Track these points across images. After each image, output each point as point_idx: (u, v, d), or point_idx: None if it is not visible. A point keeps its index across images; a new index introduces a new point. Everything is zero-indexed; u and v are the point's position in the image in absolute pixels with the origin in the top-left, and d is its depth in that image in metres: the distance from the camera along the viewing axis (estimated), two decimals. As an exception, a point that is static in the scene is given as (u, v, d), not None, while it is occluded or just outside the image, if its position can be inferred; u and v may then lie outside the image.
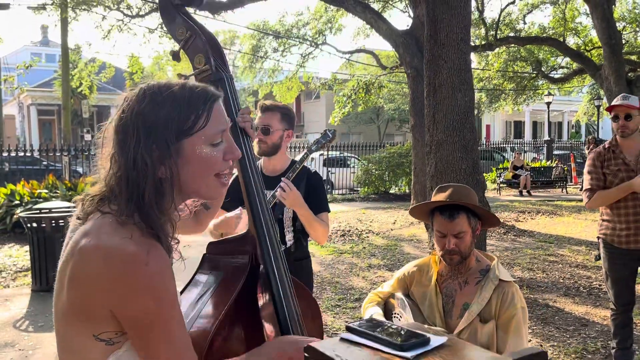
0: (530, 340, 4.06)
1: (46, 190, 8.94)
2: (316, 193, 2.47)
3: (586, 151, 16.96)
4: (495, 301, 1.91)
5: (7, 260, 6.83)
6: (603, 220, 3.26)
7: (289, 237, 2.48)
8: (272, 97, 20.20)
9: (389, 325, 0.89)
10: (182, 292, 1.31)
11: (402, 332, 0.85)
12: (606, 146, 3.26)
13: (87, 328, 0.95)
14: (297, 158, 2.52)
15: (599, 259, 3.67)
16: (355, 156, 16.58)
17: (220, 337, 1.15)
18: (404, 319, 2.07)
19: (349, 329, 0.89)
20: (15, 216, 7.80)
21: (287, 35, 18.46)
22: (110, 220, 0.96)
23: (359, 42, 30.95)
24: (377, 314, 2.15)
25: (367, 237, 8.45)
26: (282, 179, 2.31)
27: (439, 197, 2.01)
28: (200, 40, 1.33)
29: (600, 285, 5.54)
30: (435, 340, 0.83)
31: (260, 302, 1.29)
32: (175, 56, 1.40)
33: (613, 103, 3.21)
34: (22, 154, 13.36)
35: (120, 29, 14.46)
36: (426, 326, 1.93)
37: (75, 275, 0.94)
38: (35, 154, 14.03)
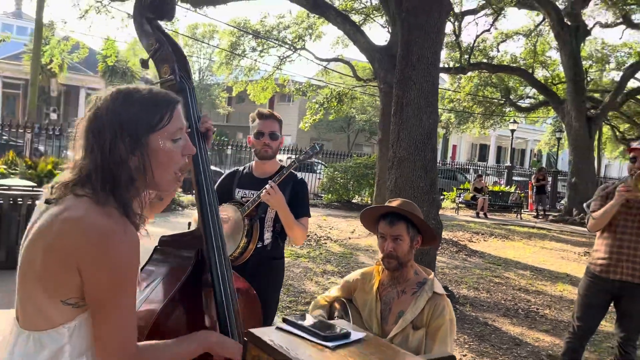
0: (465, 355, 4.30)
1: (5, 167, 8.80)
2: (299, 198, 2.66)
3: (533, 182, 17.58)
4: (427, 311, 2.10)
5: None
6: (594, 250, 3.47)
7: (267, 236, 2.65)
8: (246, 95, 20.24)
9: (319, 321, 1.05)
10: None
11: (328, 327, 1.01)
12: (616, 183, 3.42)
13: (58, 293, 1.09)
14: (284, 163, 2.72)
15: None
16: (323, 162, 16.77)
17: (163, 321, 1.29)
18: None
19: (285, 321, 1.05)
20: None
21: (266, 36, 18.52)
22: (87, 201, 1.11)
23: (337, 51, 31.30)
24: (320, 316, 2.32)
25: (325, 243, 8.63)
26: (269, 181, 2.49)
27: (385, 206, 2.24)
28: (167, 52, 1.47)
29: (537, 309, 5.86)
30: (355, 335, 1.00)
31: (203, 294, 1.43)
32: (144, 64, 1.54)
33: (634, 145, 3.36)
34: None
35: (98, 10, 14.28)
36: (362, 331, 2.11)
37: (52, 245, 1.08)
38: (-3, 127, 13.70)
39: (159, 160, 1.19)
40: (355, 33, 12.02)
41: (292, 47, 18.24)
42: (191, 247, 1.44)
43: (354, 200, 14.60)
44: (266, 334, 0.99)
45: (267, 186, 2.47)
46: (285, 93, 27.13)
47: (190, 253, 1.43)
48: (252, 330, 1.01)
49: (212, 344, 1.24)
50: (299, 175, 2.80)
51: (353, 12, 16.36)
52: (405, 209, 2.17)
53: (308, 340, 0.97)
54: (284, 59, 18.46)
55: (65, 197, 1.13)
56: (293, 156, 16.51)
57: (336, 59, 19.67)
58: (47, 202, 1.15)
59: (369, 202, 13.77)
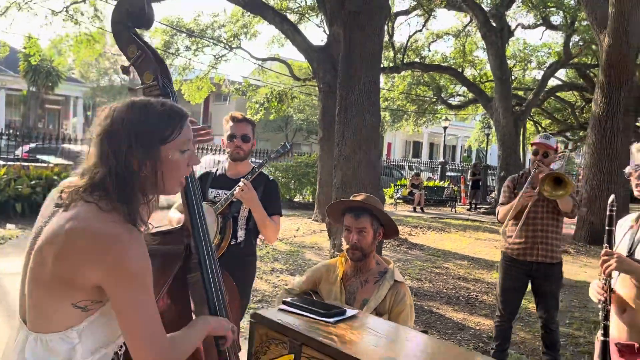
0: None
1: None
2: (271, 197, 2.75)
3: (468, 176, 18.50)
4: (390, 298, 2.26)
5: None
6: (507, 236, 3.75)
7: (241, 234, 2.73)
8: (181, 95, 19.89)
9: (315, 301, 1.16)
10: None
11: (326, 306, 1.12)
12: (521, 174, 3.81)
13: (68, 297, 1.14)
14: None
15: None
16: (264, 162, 16.75)
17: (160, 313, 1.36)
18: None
19: (285, 303, 1.15)
20: None
21: (201, 35, 18.26)
22: (95, 208, 1.16)
23: (273, 50, 31.35)
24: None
25: (271, 242, 8.70)
26: (242, 179, 2.56)
27: (350, 200, 2.38)
28: (149, 59, 1.53)
29: (476, 295, 6.22)
30: (350, 312, 1.12)
31: (191, 286, 1.51)
32: (125, 71, 1.59)
33: (536, 140, 3.70)
34: None
35: (19, 6, 13.61)
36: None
37: (62, 253, 1.12)
38: None
39: (167, 170, 1.25)
40: (293, 33, 12.14)
41: (227, 46, 18.11)
42: (179, 242, 1.51)
43: (295, 199, 14.72)
44: (272, 314, 1.09)
45: (240, 183, 2.55)
46: (222, 93, 26.86)
47: (178, 248, 1.51)
48: (259, 311, 1.11)
49: (212, 327, 1.33)
50: (271, 176, 2.91)
51: (288, 11, 16.47)
52: (370, 203, 2.32)
53: (310, 317, 1.08)
54: (220, 58, 18.31)
55: (75, 202, 1.17)
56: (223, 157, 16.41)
57: (273, 58, 19.71)
58: (57, 205, 1.19)
59: (311, 200, 13.94)
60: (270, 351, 1.08)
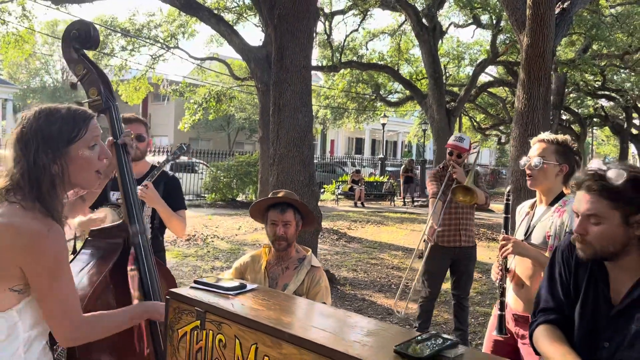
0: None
1: None
2: (174, 193, 2.90)
3: (401, 172, 19.21)
4: (307, 281, 2.52)
5: None
6: (429, 226, 4.13)
7: (147, 233, 2.85)
8: (118, 95, 19.46)
9: (221, 279, 1.40)
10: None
11: (229, 283, 1.36)
12: (441, 166, 4.21)
13: (4, 283, 1.34)
14: (156, 162, 2.95)
15: (422, 257, 4.54)
16: (204, 162, 16.77)
17: (96, 298, 1.57)
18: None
19: (195, 282, 1.38)
20: None
21: (137, 35, 17.95)
22: (18, 207, 1.35)
23: (212, 49, 31.03)
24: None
25: (212, 241, 8.83)
26: (145, 181, 2.71)
27: (275, 197, 2.63)
28: (94, 77, 1.74)
29: (407, 283, 6.61)
30: (250, 286, 1.36)
31: (130, 274, 1.72)
32: (73, 86, 1.79)
33: (450, 142, 4.12)
34: None
35: None
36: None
37: None
38: None
39: (78, 166, 1.44)
40: (230, 34, 12.23)
41: (164, 46, 17.91)
42: (119, 236, 1.73)
43: (238, 198, 14.83)
44: (183, 291, 1.32)
45: (141, 185, 2.67)
46: (161, 93, 26.41)
47: (118, 240, 1.73)
48: (172, 290, 1.33)
49: (150, 311, 1.54)
50: (170, 173, 3.07)
51: (226, 10, 16.49)
52: (292, 198, 2.58)
53: (215, 292, 1.32)
54: (157, 58, 18.06)
55: (1, 203, 1.36)
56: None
57: (211, 58, 19.61)
58: None
59: (254, 199, 14.08)
60: (182, 320, 1.31)
